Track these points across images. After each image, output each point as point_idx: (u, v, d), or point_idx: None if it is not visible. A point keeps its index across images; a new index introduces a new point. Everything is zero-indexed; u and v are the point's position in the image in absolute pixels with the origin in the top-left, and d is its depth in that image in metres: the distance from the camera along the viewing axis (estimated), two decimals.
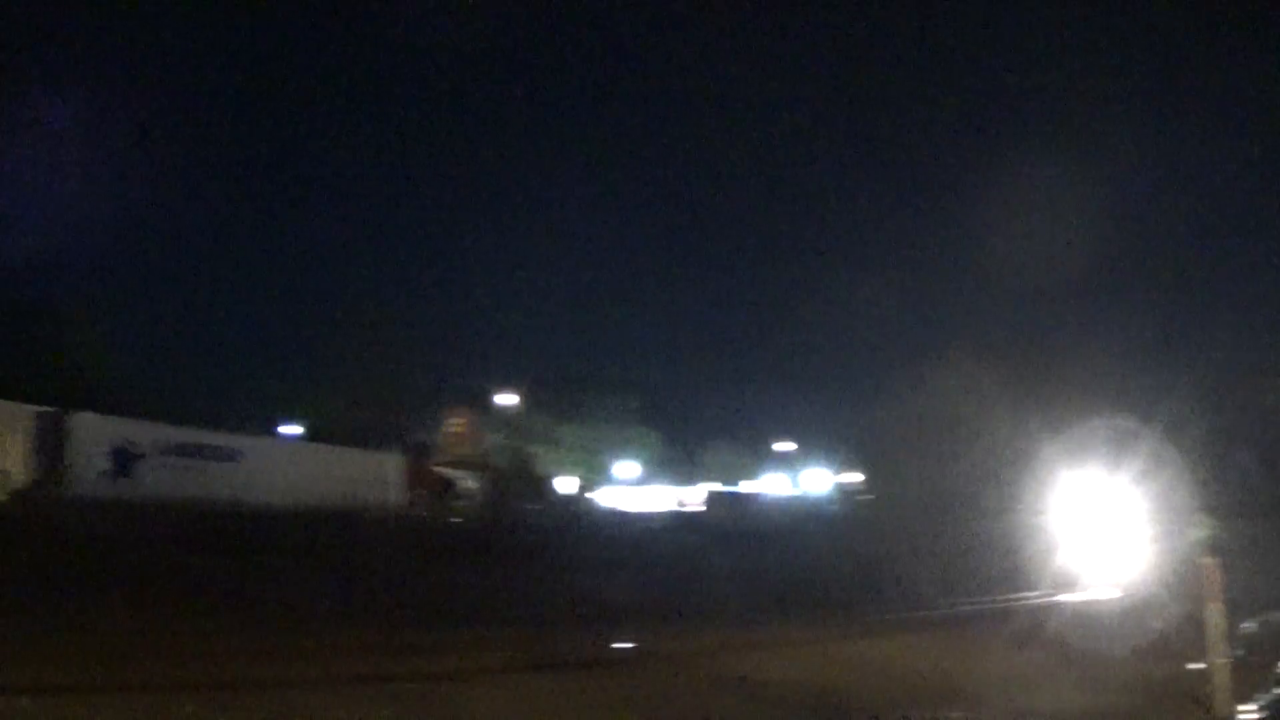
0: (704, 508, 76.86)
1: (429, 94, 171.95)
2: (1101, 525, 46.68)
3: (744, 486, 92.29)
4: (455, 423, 77.25)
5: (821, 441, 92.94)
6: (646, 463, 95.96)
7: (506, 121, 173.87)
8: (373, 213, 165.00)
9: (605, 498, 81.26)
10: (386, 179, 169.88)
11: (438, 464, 60.28)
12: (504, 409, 79.02)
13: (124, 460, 34.96)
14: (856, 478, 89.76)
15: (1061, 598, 39.56)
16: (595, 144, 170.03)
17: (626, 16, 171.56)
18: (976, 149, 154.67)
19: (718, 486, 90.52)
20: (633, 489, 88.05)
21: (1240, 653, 16.02)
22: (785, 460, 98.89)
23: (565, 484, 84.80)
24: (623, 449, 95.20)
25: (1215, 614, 15.30)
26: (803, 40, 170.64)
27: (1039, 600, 38.81)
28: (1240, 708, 14.66)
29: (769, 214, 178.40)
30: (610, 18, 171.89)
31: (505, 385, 76.88)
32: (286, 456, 42.59)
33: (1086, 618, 32.38)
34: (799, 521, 62.58)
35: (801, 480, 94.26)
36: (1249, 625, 15.68)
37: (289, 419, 73.56)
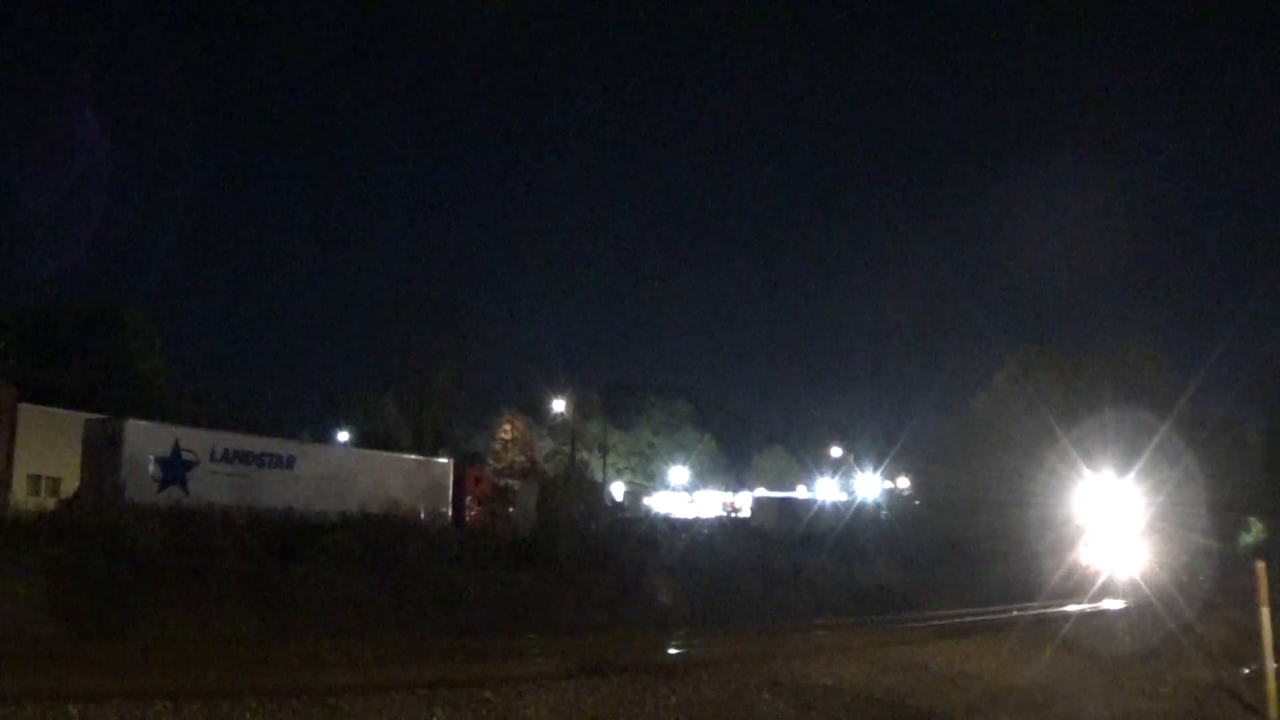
0: (749, 514, 76.60)
1: (487, 111, 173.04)
2: (1136, 530, 46.35)
3: (794, 492, 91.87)
4: (507, 430, 77.20)
5: (872, 447, 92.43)
6: (698, 468, 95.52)
7: (561, 132, 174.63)
8: (426, 223, 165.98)
9: (657, 503, 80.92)
10: (440, 188, 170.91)
11: (490, 471, 60.30)
12: (555, 415, 78.76)
13: (176, 467, 34.98)
14: (905, 483, 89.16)
15: (1101, 604, 39.35)
16: (652, 155, 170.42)
17: (687, 39, 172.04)
18: (1021, 164, 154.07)
19: (764, 492, 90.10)
20: (684, 494, 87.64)
21: None
22: (836, 465, 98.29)
23: (617, 490, 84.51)
24: (674, 455, 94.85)
25: (1267, 619, 15.06)
26: (849, 60, 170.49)
27: (1076, 607, 38.58)
28: None
29: (823, 224, 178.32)
30: (672, 42, 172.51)
31: (556, 392, 76.64)
32: (339, 463, 42.43)
33: (1122, 623, 32.14)
34: (847, 527, 62.28)
35: (851, 485, 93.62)
36: None
37: (342, 425, 73.92)
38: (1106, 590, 42.76)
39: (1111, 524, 47.30)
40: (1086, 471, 50.16)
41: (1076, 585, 43.46)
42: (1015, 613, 36.01)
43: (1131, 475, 47.40)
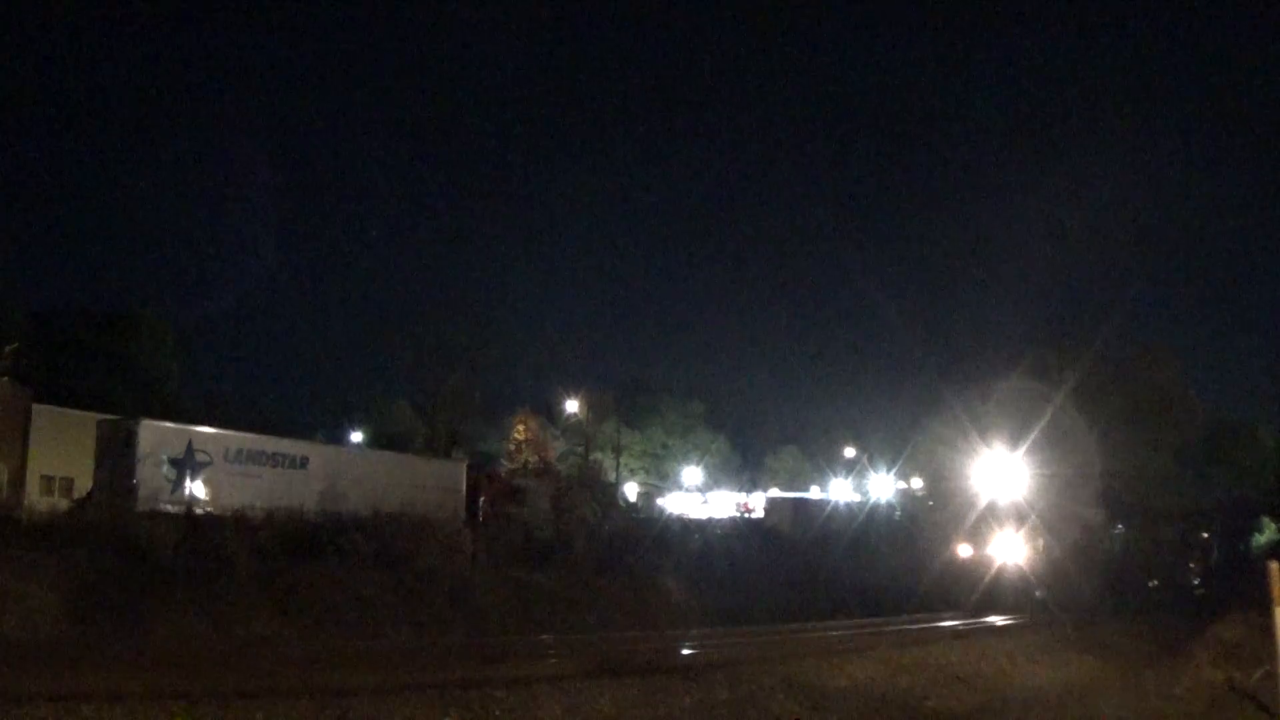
0: (762, 515, 76.59)
1: (501, 112, 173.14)
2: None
3: (808, 493, 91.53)
4: (521, 430, 76.98)
5: (886, 447, 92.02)
6: (712, 469, 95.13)
7: (574, 132, 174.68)
8: (440, 224, 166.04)
9: (671, 504, 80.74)
10: (454, 189, 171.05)
11: (503, 472, 60.25)
12: (569, 416, 78.57)
13: (191, 468, 34.88)
14: (919, 483, 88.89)
15: (1107, 608, 39.25)
16: (665, 155, 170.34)
17: (697, 46, 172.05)
18: (1038, 163, 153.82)
19: (777, 493, 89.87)
20: (698, 495, 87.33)
21: None
22: (850, 466, 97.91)
23: (631, 491, 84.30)
24: (688, 455, 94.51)
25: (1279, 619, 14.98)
26: (863, 56, 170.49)
27: (1082, 613, 38.49)
28: None
29: (836, 224, 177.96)
30: (687, 42, 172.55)
31: (570, 392, 76.44)
32: (353, 464, 42.34)
33: (1127, 627, 32.07)
34: (860, 528, 62.19)
35: (866, 486, 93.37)
36: None
37: (355, 427, 73.95)
38: (1107, 597, 42.71)
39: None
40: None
41: (1075, 592, 43.54)
42: (1023, 619, 35.91)
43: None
